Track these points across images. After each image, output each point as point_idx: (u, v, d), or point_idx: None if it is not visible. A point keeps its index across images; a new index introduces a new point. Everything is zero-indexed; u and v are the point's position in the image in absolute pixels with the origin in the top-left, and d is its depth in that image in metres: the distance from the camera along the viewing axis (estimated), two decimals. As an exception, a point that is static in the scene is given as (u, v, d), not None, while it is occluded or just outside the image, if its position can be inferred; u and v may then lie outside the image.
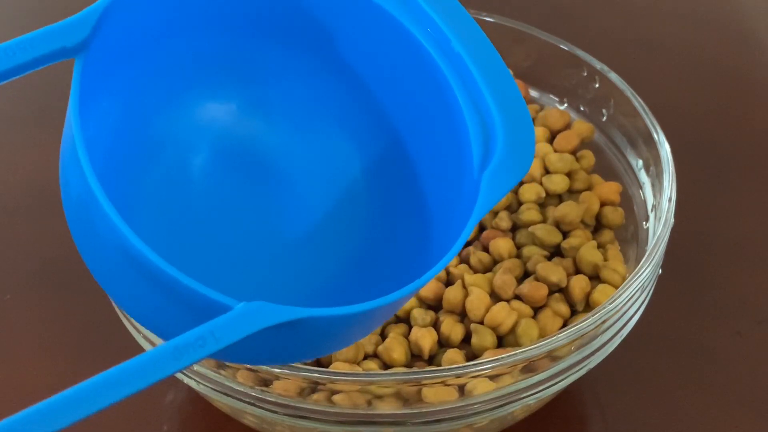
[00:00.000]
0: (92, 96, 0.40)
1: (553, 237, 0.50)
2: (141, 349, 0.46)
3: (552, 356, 0.44)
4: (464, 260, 0.50)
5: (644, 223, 0.51)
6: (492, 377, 0.44)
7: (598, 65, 0.55)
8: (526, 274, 0.50)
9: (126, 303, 0.38)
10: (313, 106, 0.45)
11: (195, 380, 0.45)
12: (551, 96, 0.57)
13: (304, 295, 0.44)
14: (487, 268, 0.50)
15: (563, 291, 0.49)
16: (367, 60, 0.44)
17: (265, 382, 0.44)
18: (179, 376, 0.46)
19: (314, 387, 0.43)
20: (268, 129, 0.45)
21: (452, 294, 0.48)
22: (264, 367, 0.43)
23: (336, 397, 0.44)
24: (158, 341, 0.45)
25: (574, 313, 0.49)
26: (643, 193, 0.52)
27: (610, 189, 0.52)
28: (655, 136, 0.51)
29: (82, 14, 0.38)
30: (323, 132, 0.45)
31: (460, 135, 0.41)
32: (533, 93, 0.57)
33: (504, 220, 0.51)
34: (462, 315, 0.48)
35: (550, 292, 0.49)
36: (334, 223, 0.45)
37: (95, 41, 0.38)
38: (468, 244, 0.51)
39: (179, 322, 0.36)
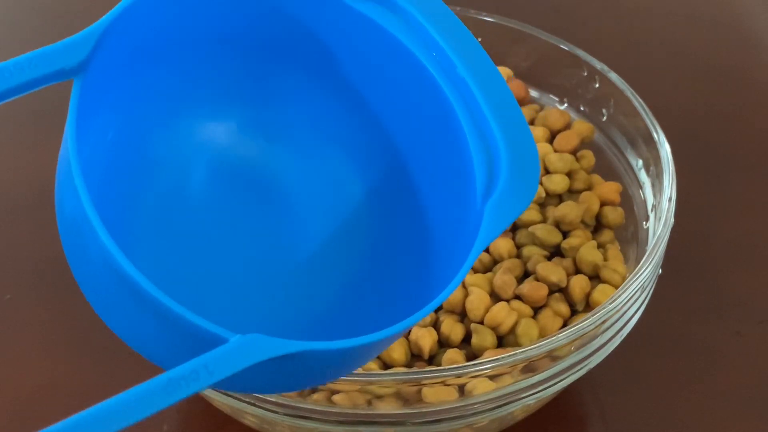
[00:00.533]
0: (90, 113, 0.39)
1: (553, 237, 0.50)
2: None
3: (552, 356, 0.44)
4: (464, 260, 0.50)
5: (644, 223, 0.51)
6: (492, 377, 0.44)
7: (598, 65, 0.55)
8: (526, 274, 0.50)
9: (119, 328, 0.38)
10: (315, 128, 0.45)
11: (195, 380, 0.45)
12: (551, 96, 0.57)
13: (303, 320, 0.43)
14: (487, 268, 0.50)
15: (563, 291, 0.49)
16: (372, 83, 0.43)
17: (265, 382, 0.44)
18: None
19: (314, 387, 0.43)
20: (269, 150, 0.45)
21: (452, 294, 0.48)
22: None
23: (336, 397, 0.44)
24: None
25: (574, 313, 0.49)
26: (643, 193, 0.52)
27: (610, 189, 0.52)
28: (655, 136, 0.51)
29: (81, 35, 0.37)
30: (325, 155, 0.45)
31: (463, 162, 0.41)
32: (533, 93, 0.57)
33: (504, 220, 0.51)
34: (462, 315, 0.48)
35: (550, 292, 0.49)
36: (334, 247, 0.44)
37: (94, 61, 0.37)
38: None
39: (173, 350, 0.36)
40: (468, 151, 0.41)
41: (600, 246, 0.51)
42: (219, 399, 0.46)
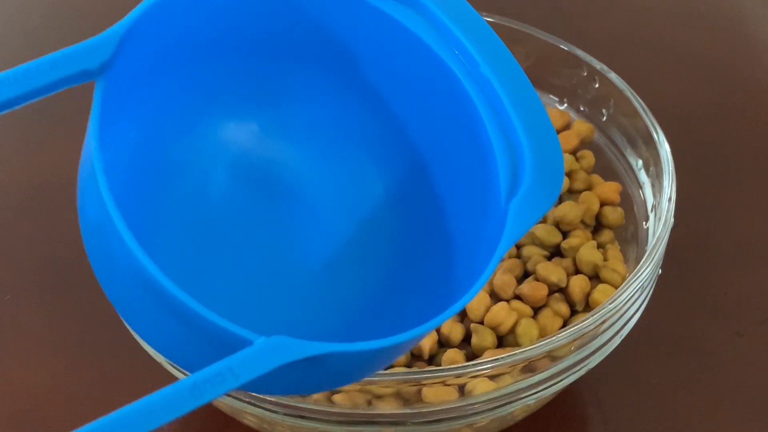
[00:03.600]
0: (112, 116, 0.39)
1: (553, 237, 0.50)
2: (141, 350, 0.46)
3: (552, 356, 0.44)
4: (464, 260, 0.50)
5: (644, 223, 0.51)
6: (492, 377, 0.44)
7: (598, 65, 0.55)
8: (526, 274, 0.50)
9: (143, 330, 0.38)
10: (336, 129, 0.45)
11: (195, 380, 0.45)
12: (551, 96, 0.57)
13: (326, 321, 0.43)
14: (487, 268, 0.50)
15: (563, 291, 0.49)
16: (392, 82, 0.43)
17: (265, 382, 0.44)
18: (179, 374, 0.46)
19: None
20: (290, 152, 0.45)
21: (452, 294, 0.48)
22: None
23: (336, 397, 0.44)
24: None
25: (574, 313, 0.49)
26: (643, 193, 0.52)
27: (610, 189, 0.52)
28: (655, 136, 0.51)
29: (103, 35, 0.37)
30: (346, 156, 0.45)
31: (487, 162, 0.40)
32: (533, 93, 0.57)
33: (504, 220, 0.51)
34: (462, 315, 0.48)
35: (550, 292, 0.49)
36: (355, 249, 0.44)
37: (117, 63, 0.37)
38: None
39: (198, 353, 0.36)
40: (491, 149, 0.40)
41: (600, 246, 0.51)
42: (219, 399, 0.45)
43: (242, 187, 0.44)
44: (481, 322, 0.48)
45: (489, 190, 0.40)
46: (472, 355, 0.47)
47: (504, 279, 0.48)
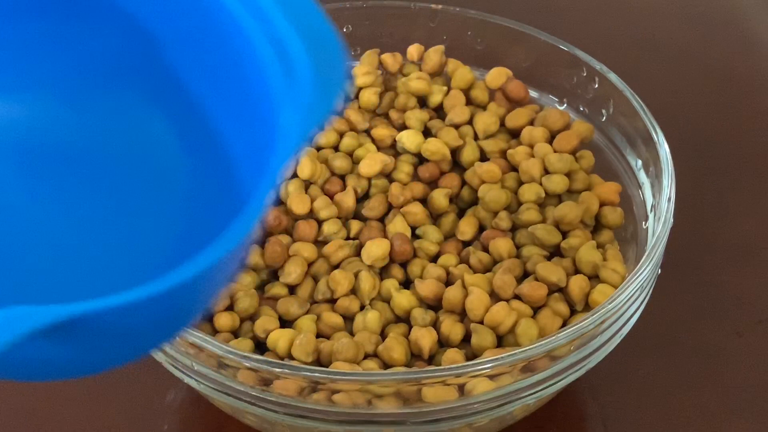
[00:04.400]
0: None
1: (552, 237, 0.50)
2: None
3: (551, 356, 0.44)
4: (464, 260, 0.50)
5: (644, 223, 0.51)
6: (492, 377, 0.44)
7: (598, 65, 0.55)
8: (525, 274, 0.50)
9: None
10: (101, 76, 0.41)
11: (195, 379, 0.45)
12: (551, 96, 0.57)
13: (117, 286, 0.36)
14: (487, 268, 0.50)
15: (563, 291, 0.49)
16: (150, 13, 0.40)
17: (266, 382, 0.44)
18: (179, 375, 0.46)
19: (314, 387, 0.44)
20: (57, 114, 0.41)
21: (452, 294, 0.48)
22: (264, 367, 0.43)
23: (336, 397, 0.44)
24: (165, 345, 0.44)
25: (573, 313, 0.49)
26: (643, 193, 0.52)
27: (609, 189, 0.52)
28: (655, 136, 0.51)
29: None
30: (121, 103, 0.41)
31: (258, 79, 0.37)
32: (533, 93, 0.57)
33: (504, 220, 0.51)
34: (462, 315, 0.48)
35: (550, 292, 0.49)
36: (144, 202, 0.41)
37: None
38: (468, 243, 0.51)
39: None
40: (260, 64, 0.37)
41: (599, 246, 0.51)
42: (219, 398, 0.46)
43: (14, 163, 0.41)
44: (481, 322, 0.48)
45: (264, 107, 0.37)
46: (472, 355, 0.47)
47: (504, 279, 0.48)
